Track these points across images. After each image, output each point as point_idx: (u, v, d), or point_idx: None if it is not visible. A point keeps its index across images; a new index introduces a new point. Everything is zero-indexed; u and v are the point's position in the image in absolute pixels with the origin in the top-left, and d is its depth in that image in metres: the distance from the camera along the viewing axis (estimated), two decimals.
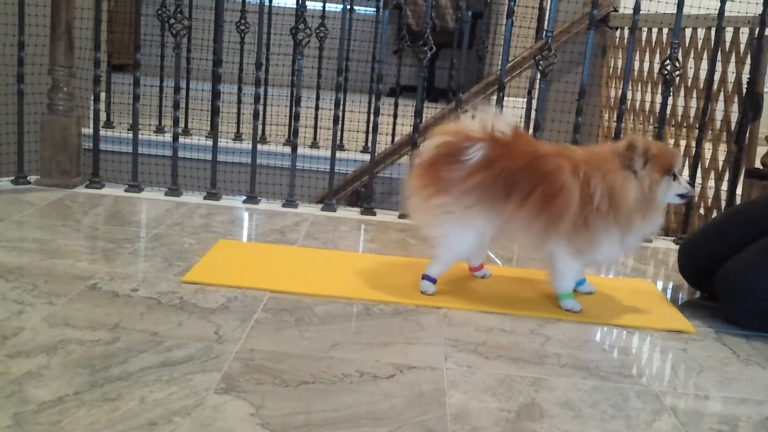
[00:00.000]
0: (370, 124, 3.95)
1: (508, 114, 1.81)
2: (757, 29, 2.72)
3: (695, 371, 1.57)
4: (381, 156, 3.75)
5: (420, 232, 1.99)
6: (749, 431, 1.35)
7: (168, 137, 3.19)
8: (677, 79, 2.79)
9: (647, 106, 3.88)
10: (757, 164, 2.82)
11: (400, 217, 2.61)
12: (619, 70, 4.28)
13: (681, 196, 1.79)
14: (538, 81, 2.65)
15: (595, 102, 4.45)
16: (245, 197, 2.65)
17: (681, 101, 3.50)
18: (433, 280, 1.85)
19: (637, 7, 2.54)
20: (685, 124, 3.47)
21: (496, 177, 1.72)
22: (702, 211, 3.26)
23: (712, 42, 2.74)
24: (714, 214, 3.16)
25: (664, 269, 2.31)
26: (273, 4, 3.98)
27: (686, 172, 3.23)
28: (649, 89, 3.91)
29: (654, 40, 3.87)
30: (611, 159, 1.74)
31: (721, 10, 2.61)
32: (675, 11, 2.56)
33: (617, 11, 4.40)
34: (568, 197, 1.70)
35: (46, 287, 1.70)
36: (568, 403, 1.38)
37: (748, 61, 2.93)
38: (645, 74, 3.98)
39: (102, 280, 1.77)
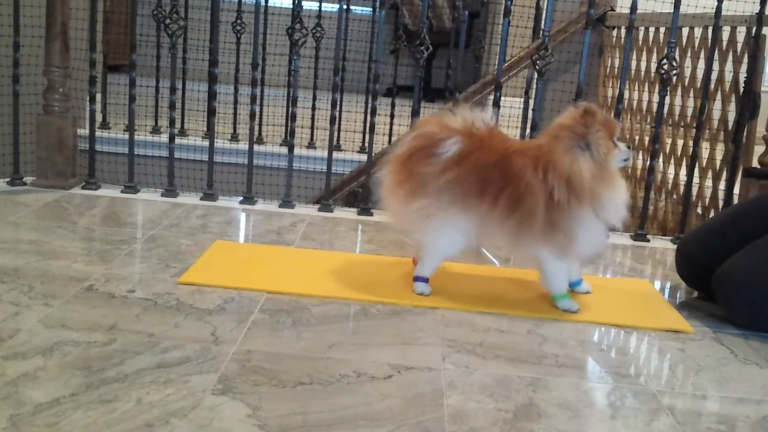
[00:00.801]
0: (367, 125, 3.94)
1: (487, 112, 1.80)
2: (755, 28, 2.72)
3: (693, 371, 1.57)
4: (378, 156, 3.73)
5: (400, 232, 1.97)
6: (747, 431, 1.34)
7: (164, 138, 3.19)
8: (674, 78, 2.79)
9: (644, 105, 3.88)
10: (755, 163, 2.82)
11: None
12: (616, 70, 4.28)
13: (623, 160, 1.78)
14: (535, 80, 2.65)
15: (593, 101, 4.45)
16: (242, 198, 2.65)
17: (678, 100, 3.50)
18: (426, 280, 1.85)
19: (634, 7, 2.54)
20: (682, 124, 3.47)
21: (468, 172, 1.72)
22: (700, 210, 3.26)
23: (710, 41, 2.74)
24: (712, 214, 3.16)
25: (661, 269, 2.31)
26: (269, 4, 3.97)
27: (683, 171, 3.24)
28: (646, 88, 3.91)
29: (651, 39, 3.88)
30: (553, 141, 1.73)
31: (718, 9, 2.61)
32: (672, 10, 2.56)
33: (614, 10, 4.41)
34: (534, 197, 1.70)
35: (42, 289, 1.69)
36: (566, 403, 1.38)
37: (746, 60, 2.93)
38: (642, 73, 3.98)
39: (98, 281, 1.77)
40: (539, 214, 1.70)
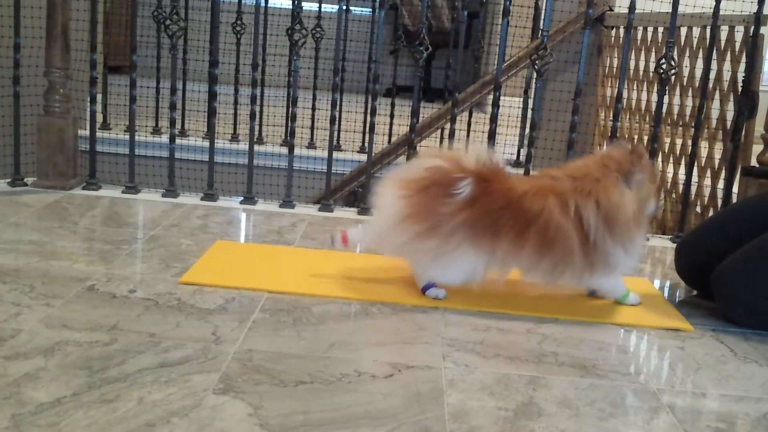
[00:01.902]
0: (367, 125, 3.94)
1: (496, 150, 1.81)
2: (752, 28, 2.73)
3: (693, 369, 1.58)
4: (378, 156, 3.75)
5: (381, 248, 1.92)
6: (747, 429, 1.35)
7: (165, 138, 3.20)
8: (673, 77, 2.79)
9: (643, 104, 3.89)
10: (753, 162, 2.82)
11: None
12: (615, 69, 4.28)
13: (651, 212, 1.82)
14: (534, 80, 2.66)
15: (591, 101, 4.45)
16: (242, 198, 2.65)
17: (677, 100, 3.51)
18: (434, 284, 1.83)
19: (632, 6, 2.55)
20: (680, 123, 3.47)
21: (478, 215, 1.69)
22: (698, 209, 3.27)
23: (708, 40, 2.74)
24: (710, 213, 3.16)
25: (661, 267, 2.31)
26: (269, 5, 3.98)
27: (682, 170, 3.25)
28: (645, 88, 3.92)
29: (649, 38, 3.88)
30: (603, 174, 1.72)
31: (716, 8, 2.62)
32: (670, 10, 2.57)
33: (612, 10, 4.41)
34: (567, 240, 1.69)
35: (44, 289, 1.70)
36: (566, 402, 1.38)
37: (744, 59, 2.94)
38: (641, 73, 3.99)
39: (99, 281, 1.77)
40: (575, 256, 1.70)
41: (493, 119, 2.61)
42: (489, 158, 1.75)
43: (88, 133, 2.69)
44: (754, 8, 2.67)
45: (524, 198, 1.71)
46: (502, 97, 2.68)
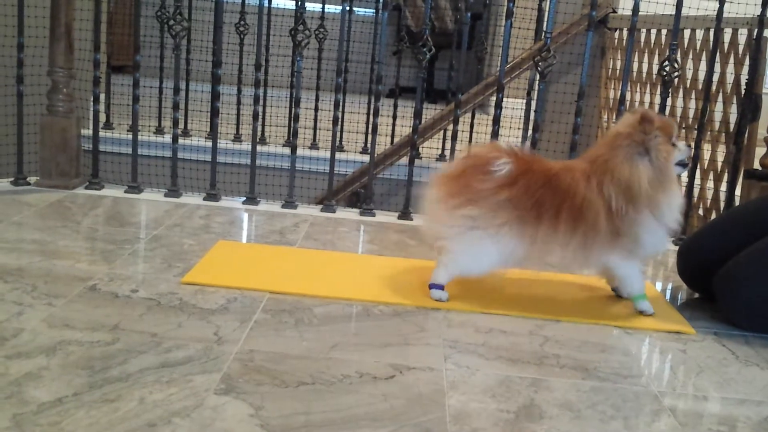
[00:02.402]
0: (370, 125, 3.95)
1: (525, 147, 1.86)
2: (756, 30, 2.72)
3: (694, 372, 1.58)
4: (380, 157, 3.75)
5: (429, 238, 1.91)
6: None
7: (167, 138, 3.20)
8: (676, 80, 2.79)
9: (646, 107, 3.88)
10: (756, 165, 2.82)
11: (400, 218, 2.61)
12: (618, 71, 4.28)
13: (681, 164, 1.81)
14: (537, 82, 2.66)
15: (595, 103, 4.45)
16: (245, 198, 2.65)
17: (680, 102, 3.50)
18: (441, 287, 1.82)
19: (636, 9, 2.55)
20: (684, 125, 3.47)
21: (522, 193, 1.72)
22: (701, 212, 3.26)
23: (711, 43, 2.74)
24: (713, 215, 3.16)
25: (663, 270, 2.31)
26: (272, 6, 3.98)
27: (685, 172, 3.24)
28: (648, 90, 3.92)
29: (653, 41, 3.88)
30: (612, 151, 1.75)
31: (720, 11, 2.61)
32: (674, 12, 2.57)
33: (616, 12, 4.41)
34: (594, 208, 1.72)
35: (46, 288, 1.70)
36: (568, 404, 1.38)
37: (747, 62, 2.94)
38: (644, 75, 3.98)
39: (101, 281, 1.77)
40: (602, 224, 1.72)
41: (496, 121, 2.61)
42: (522, 147, 1.82)
43: (91, 132, 2.69)
44: (758, 11, 2.67)
45: (558, 175, 1.76)
46: (504, 99, 2.68)
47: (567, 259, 1.82)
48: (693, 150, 1.89)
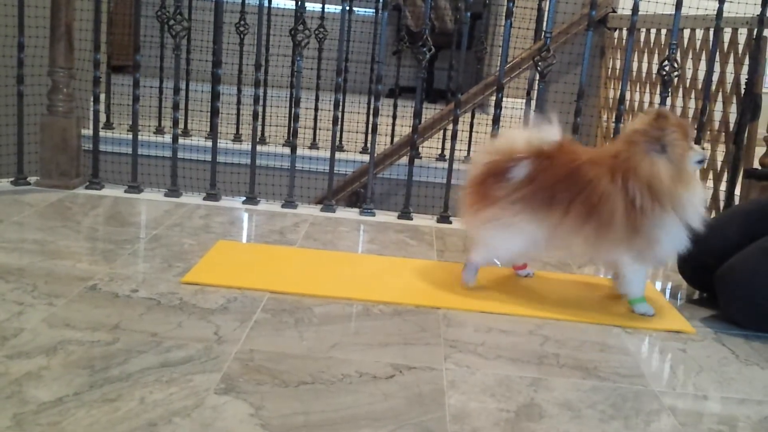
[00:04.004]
0: (370, 125, 3.95)
1: (556, 125, 1.82)
2: (756, 30, 2.72)
3: (694, 371, 1.58)
4: (380, 157, 3.75)
5: (468, 238, 2.04)
6: (748, 431, 1.35)
7: (167, 138, 3.20)
8: (676, 79, 2.79)
9: (646, 106, 3.88)
10: (756, 164, 2.82)
11: (399, 217, 2.61)
12: (617, 71, 4.28)
13: (698, 162, 1.81)
14: (536, 82, 2.66)
15: (594, 103, 4.45)
16: (245, 198, 2.65)
17: (680, 102, 3.50)
18: (475, 269, 1.92)
19: (635, 8, 2.55)
20: None
21: (537, 190, 1.77)
22: None
23: (711, 42, 2.74)
24: (713, 215, 3.16)
25: (663, 269, 2.31)
26: (272, 6, 3.98)
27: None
28: (647, 90, 3.92)
29: (652, 40, 3.88)
30: (631, 147, 1.75)
31: (720, 10, 2.61)
32: (673, 12, 2.57)
33: (616, 12, 4.41)
34: (611, 205, 1.73)
35: (46, 288, 1.70)
36: (567, 404, 1.38)
37: (747, 61, 2.94)
38: (644, 75, 3.98)
39: (102, 281, 1.78)
40: (618, 220, 1.73)
41: (496, 120, 2.61)
42: (548, 135, 1.81)
43: (91, 132, 2.69)
44: (758, 10, 2.67)
45: (581, 168, 1.77)
46: (504, 99, 2.68)
47: (576, 246, 1.86)
48: (707, 153, 1.89)
